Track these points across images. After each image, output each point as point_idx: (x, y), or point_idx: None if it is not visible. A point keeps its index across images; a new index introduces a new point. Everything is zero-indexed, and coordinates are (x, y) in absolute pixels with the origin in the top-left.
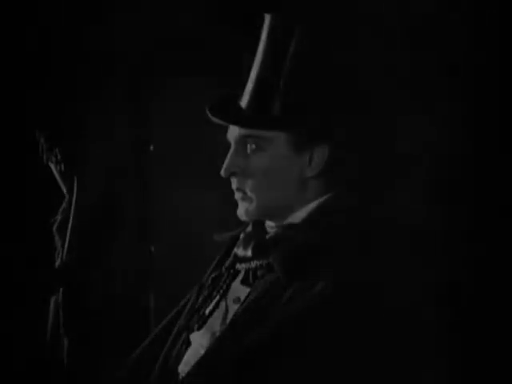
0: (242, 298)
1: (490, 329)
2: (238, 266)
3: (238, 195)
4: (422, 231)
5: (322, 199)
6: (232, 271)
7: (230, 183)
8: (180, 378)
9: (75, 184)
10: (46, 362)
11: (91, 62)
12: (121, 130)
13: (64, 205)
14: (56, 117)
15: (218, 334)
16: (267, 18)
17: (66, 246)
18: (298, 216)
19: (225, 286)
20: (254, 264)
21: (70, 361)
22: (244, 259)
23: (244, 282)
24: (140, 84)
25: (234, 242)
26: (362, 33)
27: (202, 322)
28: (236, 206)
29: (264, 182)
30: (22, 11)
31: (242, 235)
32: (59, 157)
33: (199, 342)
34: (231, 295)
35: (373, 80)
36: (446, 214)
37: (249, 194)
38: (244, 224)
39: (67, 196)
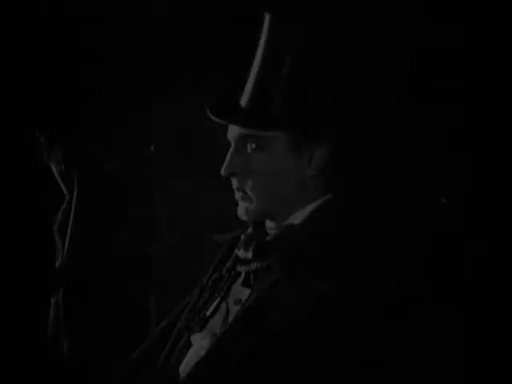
0: (243, 300)
1: (491, 329)
2: (238, 267)
3: (237, 195)
4: (421, 231)
5: (321, 199)
6: (233, 273)
7: (230, 183)
8: (180, 378)
9: (75, 184)
10: (45, 362)
11: (92, 63)
12: (121, 130)
13: (64, 205)
14: (56, 117)
15: (218, 335)
16: (267, 18)
17: (66, 245)
18: (298, 216)
19: (225, 288)
20: (254, 266)
21: (69, 361)
22: (245, 261)
23: (245, 283)
24: (140, 84)
25: (234, 242)
26: (362, 32)
27: (203, 323)
28: (236, 205)
29: (264, 181)
30: (23, 10)
31: (242, 236)
32: (59, 157)
33: (200, 343)
34: (232, 297)
35: (373, 80)
36: (446, 214)
37: (249, 193)
38: (244, 224)
39: (67, 196)
